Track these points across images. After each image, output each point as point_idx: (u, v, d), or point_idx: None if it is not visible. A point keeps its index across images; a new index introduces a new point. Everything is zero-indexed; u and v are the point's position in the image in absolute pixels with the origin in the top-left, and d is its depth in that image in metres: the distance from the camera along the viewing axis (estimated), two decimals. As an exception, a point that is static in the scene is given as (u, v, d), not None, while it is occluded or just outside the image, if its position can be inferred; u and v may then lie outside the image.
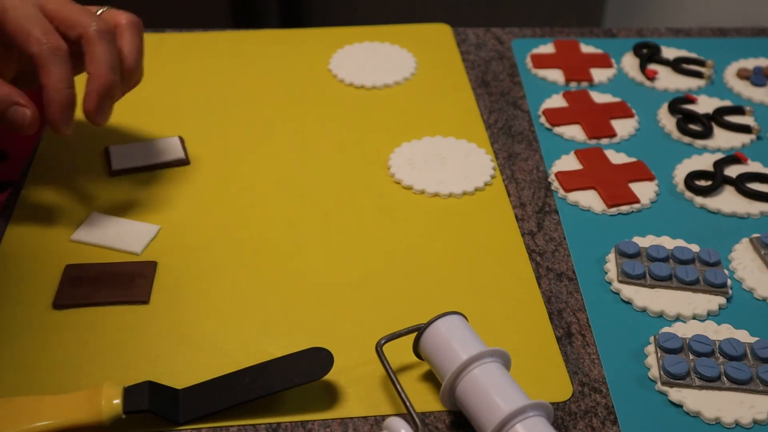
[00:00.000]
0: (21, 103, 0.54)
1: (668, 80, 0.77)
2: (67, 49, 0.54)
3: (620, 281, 0.56)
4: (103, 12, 0.60)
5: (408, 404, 0.45)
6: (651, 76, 0.77)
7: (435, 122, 0.71)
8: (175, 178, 0.64)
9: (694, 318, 0.54)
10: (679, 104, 0.72)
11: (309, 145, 0.68)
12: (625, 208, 0.62)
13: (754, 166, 0.67)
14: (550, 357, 0.51)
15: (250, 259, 0.57)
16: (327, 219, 0.61)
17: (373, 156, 0.67)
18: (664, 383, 0.49)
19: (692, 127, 0.70)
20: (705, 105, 0.73)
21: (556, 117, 0.71)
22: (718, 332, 0.52)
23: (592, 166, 0.66)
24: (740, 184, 0.64)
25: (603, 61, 0.79)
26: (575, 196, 0.63)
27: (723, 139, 0.70)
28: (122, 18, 0.59)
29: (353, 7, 1.62)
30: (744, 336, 0.52)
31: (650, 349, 0.51)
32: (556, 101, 0.74)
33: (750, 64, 0.79)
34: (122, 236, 0.58)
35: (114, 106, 0.58)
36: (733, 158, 0.67)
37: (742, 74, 0.77)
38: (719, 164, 0.66)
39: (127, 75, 0.58)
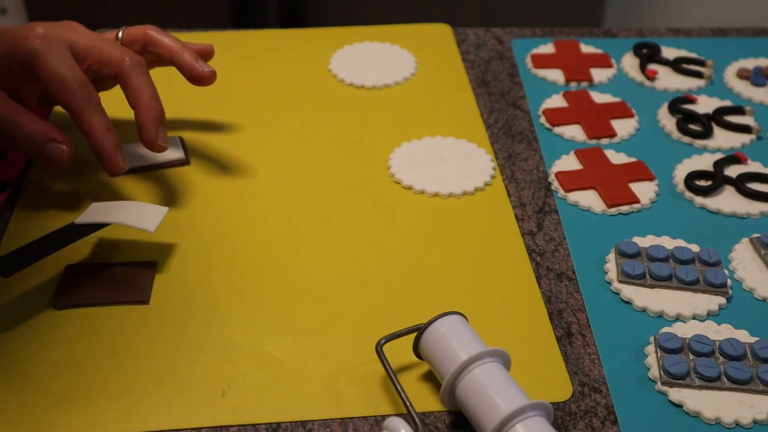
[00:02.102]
0: (58, 140, 0.56)
1: (668, 80, 0.77)
2: (99, 98, 0.57)
3: (620, 281, 0.56)
4: (122, 35, 0.63)
5: (408, 404, 0.45)
6: (651, 76, 0.77)
7: (435, 122, 0.71)
8: (175, 178, 0.64)
9: (694, 318, 0.54)
10: (679, 104, 0.72)
11: (309, 145, 0.68)
12: (625, 208, 0.62)
13: (754, 166, 0.67)
14: (550, 357, 0.51)
15: (250, 259, 0.57)
16: (327, 219, 0.61)
17: (373, 156, 0.67)
18: (664, 383, 0.49)
19: (692, 127, 0.70)
20: (705, 105, 0.73)
21: (556, 117, 0.71)
22: (718, 332, 0.52)
23: (592, 166, 0.66)
24: (740, 184, 0.64)
25: (603, 61, 0.79)
26: (575, 196, 0.63)
27: (723, 139, 0.70)
28: (146, 28, 0.63)
29: (353, 7, 1.62)
30: (744, 336, 0.52)
31: (650, 349, 0.51)
32: (556, 101, 0.74)
33: (750, 64, 0.79)
34: (132, 215, 0.56)
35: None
36: (733, 158, 0.67)
37: (742, 74, 0.77)
38: (719, 164, 0.66)
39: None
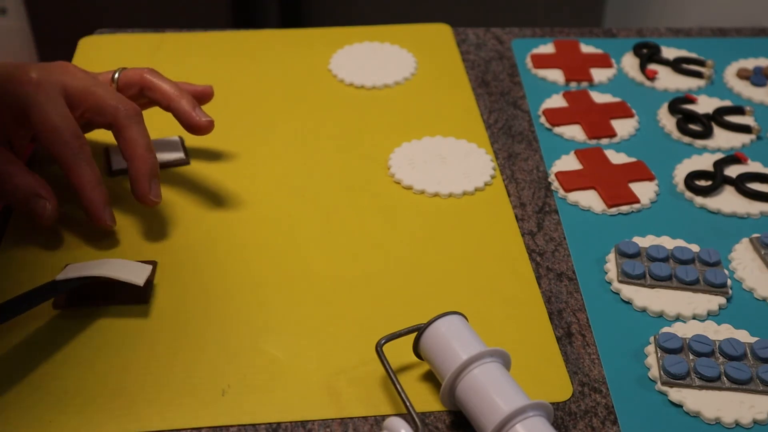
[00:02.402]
0: (42, 195, 0.55)
1: (668, 80, 0.77)
2: (89, 151, 0.56)
3: (620, 281, 0.56)
4: (119, 76, 0.61)
5: (408, 404, 0.45)
6: (651, 76, 0.77)
7: (435, 122, 0.71)
8: (175, 178, 0.64)
9: (694, 318, 0.54)
10: (679, 104, 0.72)
11: (309, 145, 0.68)
12: (625, 208, 0.62)
13: (754, 166, 0.67)
14: (550, 357, 0.51)
15: (249, 259, 0.57)
16: (327, 219, 0.61)
17: (373, 156, 0.67)
18: (664, 383, 0.49)
19: (692, 127, 0.70)
20: (705, 105, 0.73)
21: (556, 117, 0.71)
22: (718, 332, 0.52)
23: (592, 166, 0.66)
24: (740, 184, 0.64)
25: (603, 61, 0.79)
26: (575, 196, 0.63)
27: (723, 139, 0.70)
28: (143, 72, 0.61)
29: (353, 7, 1.62)
30: (744, 336, 0.52)
31: (650, 349, 0.51)
32: (556, 101, 0.74)
33: (750, 64, 0.79)
34: (117, 269, 0.54)
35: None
36: (733, 158, 0.67)
37: (742, 74, 0.77)
38: (719, 164, 0.66)
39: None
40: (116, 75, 0.62)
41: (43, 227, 0.56)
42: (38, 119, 0.55)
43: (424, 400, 0.48)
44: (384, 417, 0.47)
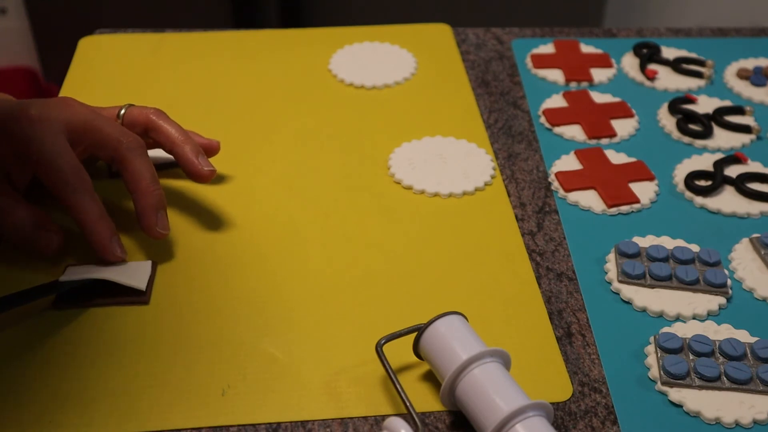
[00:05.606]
0: (48, 228, 0.55)
1: (668, 80, 0.77)
2: (91, 184, 0.54)
3: (620, 281, 0.56)
4: (124, 113, 0.60)
5: (408, 404, 0.45)
6: (651, 76, 0.77)
7: (435, 122, 0.71)
8: (175, 178, 0.64)
9: (694, 318, 0.54)
10: (679, 104, 0.72)
11: (309, 145, 0.68)
12: (625, 208, 0.62)
13: (754, 166, 0.67)
14: (550, 357, 0.51)
15: (249, 259, 0.57)
16: (327, 219, 0.61)
17: (373, 156, 0.67)
18: (664, 383, 0.49)
19: (692, 127, 0.70)
20: (705, 105, 0.73)
21: (556, 117, 0.71)
22: (718, 332, 0.52)
23: (592, 166, 0.66)
24: (740, 184, 0.64)
25: (603, 61, 0.79)
26: (575, 196, 0.63)
27: (723, 139, 0.70)
28: (149, 113, 0.60)
29: (353, 7, 1.62)
30: (744, 336, 0.52)
31: (650, 349, 0.51)
32: (556, 101, 0.74)
33: (750, 64, 0.79)
34: (117, 272, 0.55)
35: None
36: (733, 158, 0.67)
37: (742, 74, 0.77)
38: (719, 164, 0.66)
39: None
40: (122, 111, 0.60)
41: (48, 256, 0.56)
42: (37, 157, 0.53)
43: (424, 400, 0.48)
44: (384, 417, 0.47)
